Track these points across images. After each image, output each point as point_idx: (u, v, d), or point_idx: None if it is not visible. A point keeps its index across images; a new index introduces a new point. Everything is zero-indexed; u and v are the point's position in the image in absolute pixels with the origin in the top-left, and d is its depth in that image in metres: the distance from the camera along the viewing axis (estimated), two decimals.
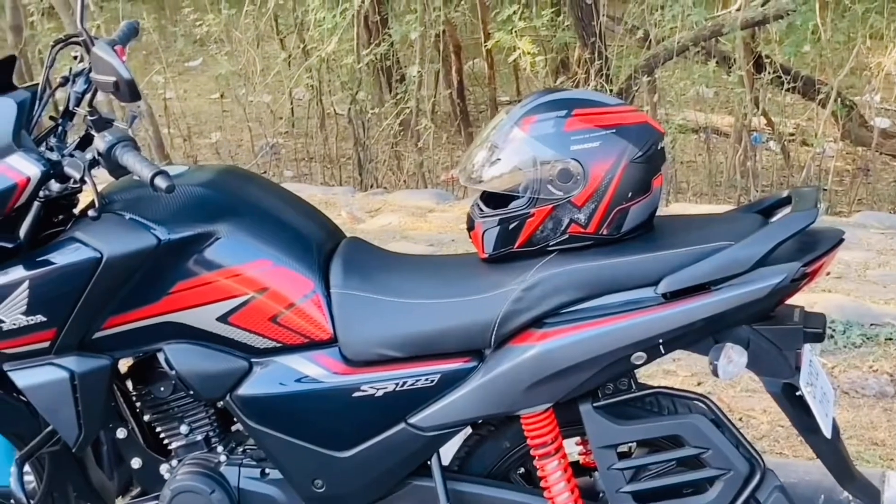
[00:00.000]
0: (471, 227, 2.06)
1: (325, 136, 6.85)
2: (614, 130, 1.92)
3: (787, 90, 6.75)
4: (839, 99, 6.35)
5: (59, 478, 2.42)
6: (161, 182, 1.89)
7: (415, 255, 2.42)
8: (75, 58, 2.12)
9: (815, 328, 1.93)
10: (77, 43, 2.06)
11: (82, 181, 2.03)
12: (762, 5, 5.97)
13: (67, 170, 2.01)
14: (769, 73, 6.42)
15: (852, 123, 6.73)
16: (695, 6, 5.99)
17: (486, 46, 7.02)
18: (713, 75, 6.80)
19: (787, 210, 1.99)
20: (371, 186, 6.61)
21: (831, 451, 2.00)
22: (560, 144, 1.90)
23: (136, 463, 2.25)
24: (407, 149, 6.78)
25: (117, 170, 1.99)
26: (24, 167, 1.97)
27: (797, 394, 1.93)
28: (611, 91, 5.97)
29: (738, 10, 6.01)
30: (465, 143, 7.36)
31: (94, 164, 2.02)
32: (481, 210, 2.03)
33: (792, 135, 7.04)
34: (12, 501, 2.36)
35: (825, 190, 6.17)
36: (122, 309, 2.07)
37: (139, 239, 2.01)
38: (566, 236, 1.94)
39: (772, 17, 6.02)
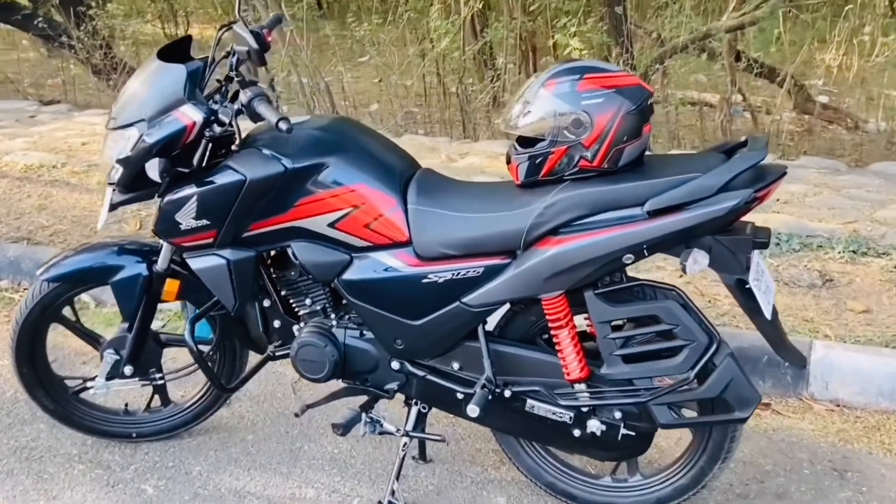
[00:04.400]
0: (508, 161, 2.42)
1: (443, 106, 7.84)
2: (615, 90, 2.25)
3: (757, 75, 7.74)
4: (793, 82, 7.35)
5: (228, 331, 2.92)
6: (283, 125, 2.26)
7: (469, 182, 2.78)
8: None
9: (761, 239, 2.25)
10: (236, 24, 2.46)
11: (230, 125, 2.46)
12: (740, 16, 6.92)
13: (221, 116, 2.42)
14: (745, 63, 7.42)
15: (801, 99, 7.75)
16: (692, 17, 7.06)
17: (550, 45, 7.96)
18: (706, 65, 7.87)
19: (744, 150, 2.27)
20: (468, 139, 7.29)
21: (770, 329, 2.38)
22: (573, 100, 2.24)
23: (276, 323, 2.75)
24: (495, 115, 7.20)
25: (255, 117, 2.39)
26: (192, 114, 2.40)
27: (746, 286, 2.27)
28: (630, 71, 6.02)
29: (724, 19, 7.00)
30: None
31: (239, 112, 2.44)
32: (516, 149, 2.37)
33: (759, 107, 7.82)
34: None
35: (780, 145, 6.85)
36: (262, 216, 2.50)
37: (272, 167, 2.44)
38: (577, 169, 2.29)
39: (747, 24, 6.98)
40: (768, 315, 2.34)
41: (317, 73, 7.57)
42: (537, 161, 2.33)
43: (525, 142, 2.36)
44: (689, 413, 2.55)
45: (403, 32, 7.70)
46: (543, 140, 2.30)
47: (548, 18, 7.73)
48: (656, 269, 3.94)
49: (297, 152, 2.48)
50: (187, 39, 2.66)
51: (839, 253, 4.14)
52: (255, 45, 2.39)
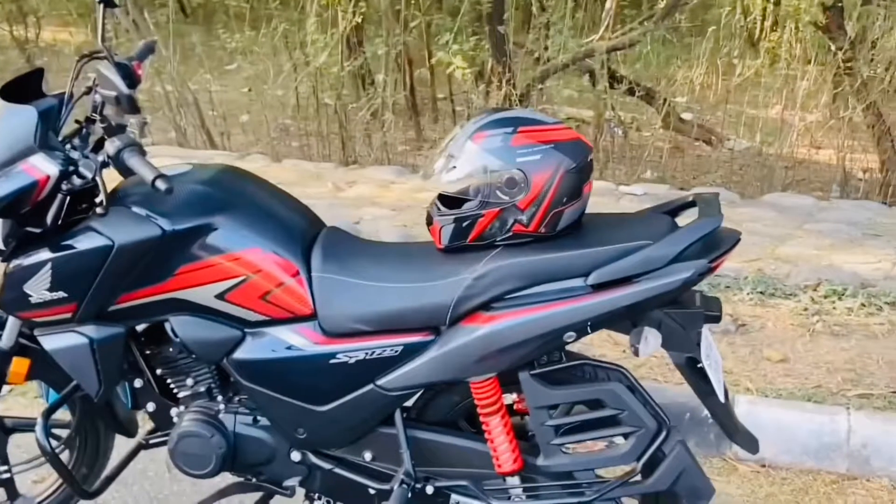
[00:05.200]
0: (429, 223, 2.15)
1: (319, 120, 7.52)
2: (553, 146, 2.03)
3: (630, 93, 7.58)
4: (663, 100, 7.30)
5: (90, 415, 2.56)
6: (161, 184, 1.95)
7: (382, 243, 2.46)
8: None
9: (713, 311, 2.07)
10: (99, 58, 2.08)
11: (93, 180, 2.06)
12: (618, 37, 7.06)
13: (82, 170, 2.05)
14: (620, 84, 7.43)
15: (673, 118, 7.57)
16: (571, 39, 7.05)
17: (430, 62, 7.95)
18: (583, 85, 7.93)
19: (692, 210, 2.10)
20: (350, 159, 7.19)
21: (723, 411, 2.17)
22: (507, 157, 2.01)
23: (150, 406, 2.37)
24: (374, 131, 7.45)
25: (125, 172, 2.04)
26: (44, 166, 2.01)
27: (698, 366, 2.07)
28: (514, 95, 6.71)
29: (600, 39, 6.99)
30: (415, 128, 8.22)
31: (105, 165, 2.07)
32: (439, 209, 2.12)
33: (630, 124, 7.96)
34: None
35: (649, 160, 7.02)
36: (133, 287, 2.16)
37: (146, 229, 2.09)
38: (510, 234, 2.06)
39: (627, 44, 7.17)
40: (721, 398, 2.15)
41: (184, 83, 7.32)
42: (464, 224, 2.09)
43: (449, 200, 2.12)
44: None
45: (275, 43, 7.50)
46: (471, 200, 2.07)
47: (428, 35, 7.78)
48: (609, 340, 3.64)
49: (177, 211, 2.14)
50: (38, 72, 2.24)
51: (748, 294, 4.05)
52: (124, 90, 2.02)
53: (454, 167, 2.07)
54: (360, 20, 7.20)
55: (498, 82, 6.79)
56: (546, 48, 7.20)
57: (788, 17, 7.94)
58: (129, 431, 2.56)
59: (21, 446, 2.68)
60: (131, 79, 2.08)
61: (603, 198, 5.29)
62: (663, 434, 2.09)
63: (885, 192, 6.47)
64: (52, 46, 9.52)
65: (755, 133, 7.39)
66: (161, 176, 1.96)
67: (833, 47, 6.75)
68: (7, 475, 2.57)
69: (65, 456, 2.55)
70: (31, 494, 2.67)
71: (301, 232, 2.27)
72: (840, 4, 6.77)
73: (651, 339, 2.05)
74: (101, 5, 2.06)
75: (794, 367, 3.54)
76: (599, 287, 1.99)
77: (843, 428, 3.13)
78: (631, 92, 7.43)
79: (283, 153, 7.13)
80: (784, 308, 3.93)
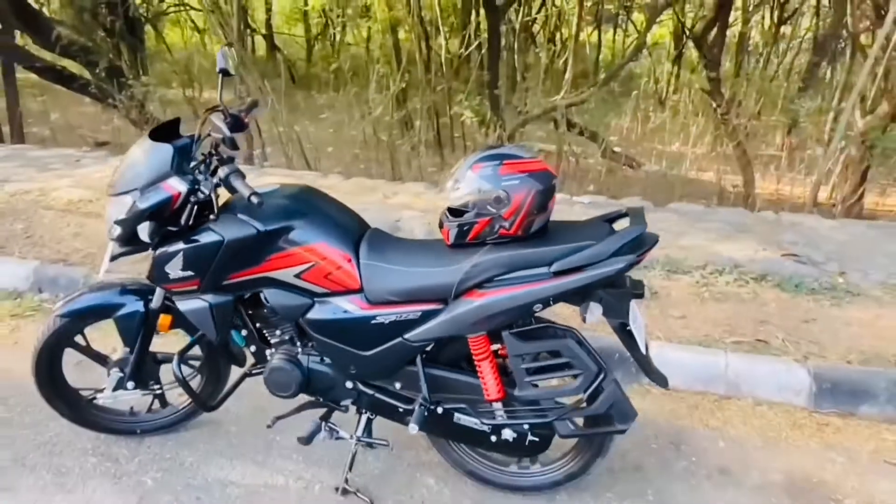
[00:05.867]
0: (441, 226, 1.96)
1: (377, 150, 6.89)
2: (528, 174, 1.84)
3: (579, 134, 7.18)
4: (601, 139, 6.88)
5: (213, 353, 2.36)
6: (254, 199, 1.82)
7: (410, 240, 2.16)
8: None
9: (638, 291, 1.90)
10: (218, 110, 1.94)
11: (210, 196, 1.93)
12: (573, 97, 6.51)
13: (202, 188, 1.92)
14: (574, 128, 7.00)
15: (607, 149, 7.00)
16: (542, 98, 6.61)
17: (450, 112, 7.34)
18: (549, 129, 7.19)
19: (625, 220, 1.92)
20: (397, 177, 6.44)
21: (643, 359, 1.97)
22: (495, 181, 1.84)
23: (252, 348, 2.18)
24: (413, 158, 6.81)
25: (231, 190, 1.90)
26: (177, 185, 1.89)
27: (627, 328, 1.92)
28: (504, 135, 6.27)
29: (561, 98, 6.50)
30: (440, 156, 7.49)
31: (217, 185, 1.93)
32: (448, 217, 1.93)
33: (580, 154, 7.16)
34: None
35: (591, 180, 6.52)
36: (238, 268, 1.97)
37: (246, 230, 1.91)
38: (497, 235, 1.88)
39: (579, 102, 6.60)
40: (643, 350, 1.97)
41: (290, 126, 6.82)
42: (465, 228, 1.91)
43: (454, 211, 1.92)
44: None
45: (350, 99, 6.96)
46: (469, 211, 1.87)
47: (449, 95, 7.21)
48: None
49: (267, 217, 1.94)
50: (176, 120, 2.06)
51: (658, 272, 3.61)
52: (228, 135, 1.88)
53: (459, 188, 1.89)
54: (404, 85, 6.82)
55: (494, 127, 6.44)
56: (525, 104, 6.76)
57: (684, 86, 7.64)
58: (240, 363, 2.33)
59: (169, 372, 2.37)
60: (240, 126, 1.96)
61: (561, 205, 4.82)
62: (602, 375, 1.94)
63: (747, 201, 6.15)
64: (208, 102, 9.29)
65: (662, 161, 7.08)
66: (254, 193, 1.84)
67: (714, 105, 6.52)
68: (160, 391, 2.42)
69: (196, 380, 2.40)
70: (175, 403, 2.51)
71: (353, 232, 2.05)
72: (719, 77, 6.62)
73: (595, 310, 1.90)
74: (220, 75, 1.89)
75: (690, 322, 3.20)
76: (559, 273, 1.83)
77: (722, 364, 2.87)
78: (581, 133, 7.13)
79: (353, 173, 6.57)
80: (683, 281, 3.56)
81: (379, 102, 6.59)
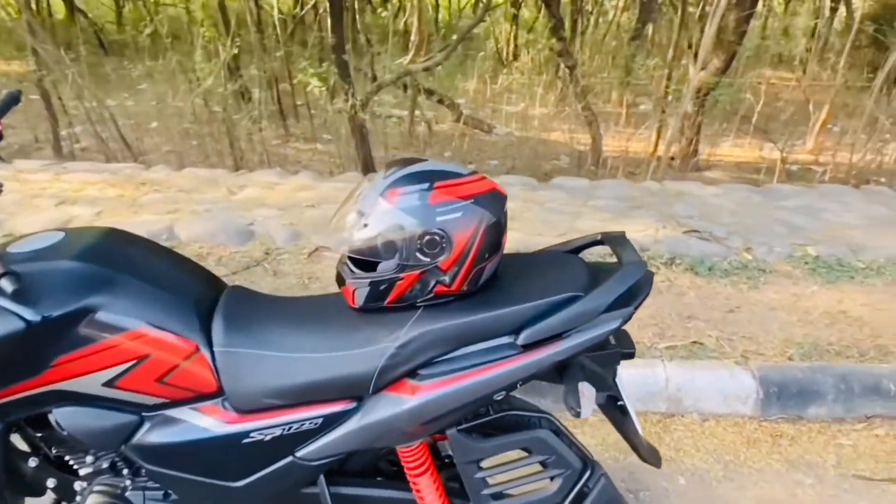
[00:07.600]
0: (341, 283, 1.35)
1: (211, 124, 6.16)
2: (472, 200, 1.26)
3: (430, 97, 6.79)
4: (453, 102, 6.70)
5: None
6: (7, 286, 1.17)
7: (290, 299, 1.47)
8: None
9: (627, 349, 1.44)
10: None
11: None
12: (424, 62, 6.08)
13: None
14: (426, 93, 6.60)
15: (458, 113, 6.76)
16: (392, 62, 6.13)
17: (290, 80, 6.84)
18: (402, 94, 6.86)
19: (602, 247, 1.48)
20: (239, 159, 5.84)
21: (637, 438, 1.51)
22: (426, 216, 1.24)
23: (51, 483, 1.49)
24: (254, 132, 6.15)
25: None
26: None
27: (618, 403, 1.45)
28: (357, 103, 5.78)
29: (411, 62, 6.10)
30: (283, 127, 6.94)
31: None
32: (352, 271, 1.32)
33: (430, 119, 7.04)
34: None
35: (452, 145, 6.25)
36: (3, 384, 1.28)
37: (6, 324, 1.21)
38: (432, 295, 1.30)
39: (431, 66, 6.17)
40: (639, 430, 1.48)
41: (101, 103, 5.77)
42: (381, 287, 1.28)
43: (360, 261, 1.30)
44: None
45: (173, 69, 5.96)
46: (386, 260, 1.26)
47: (287, 62, 6.56)
48: None
49: (45, 297, 1.21)
50: None
51: None
52: None
53: (366, 225, 1.25)
54: (236, 51, 5.93)
55: (345, 95, 5.75)
56: (373, 69, 6.35)
57: (529, 45, 7.86)
58: (37, 492, 1.53)
59: None
60: None
61: None
62: (588, 472, 1.45)
63: (596, 160, 6.16)
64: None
65: (511, 122, 6.92)
66: (7, 274, 1.15)
67: (565, 65, 6.47)
68: None
69: None
70: None
71: (197, 300, 1.34)
72: (565, 37, 6.49)
73: (587, 392, 1.34)
74: None
75: None
76: (530, 346, 1.27)
77: (662, 377, 2.59)
78: (440, 101, 6.71)
79: (185, 155, 5.76)
80: None
81: (209, 72, 5.73)
